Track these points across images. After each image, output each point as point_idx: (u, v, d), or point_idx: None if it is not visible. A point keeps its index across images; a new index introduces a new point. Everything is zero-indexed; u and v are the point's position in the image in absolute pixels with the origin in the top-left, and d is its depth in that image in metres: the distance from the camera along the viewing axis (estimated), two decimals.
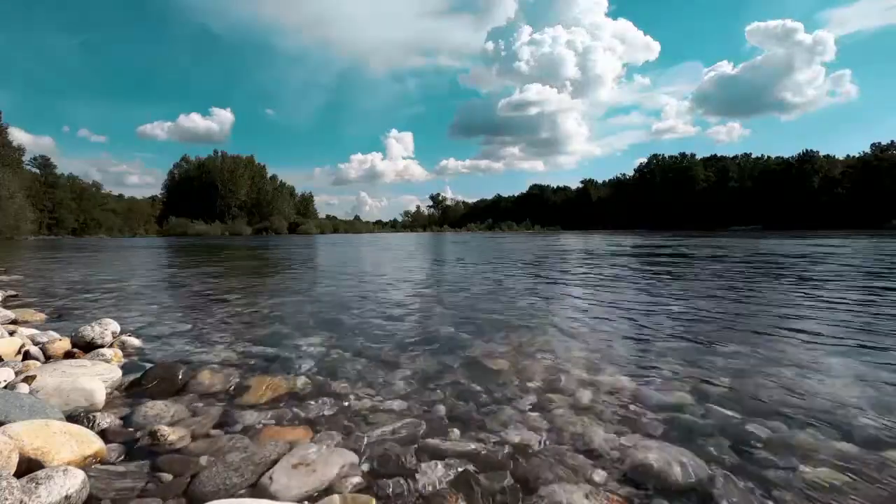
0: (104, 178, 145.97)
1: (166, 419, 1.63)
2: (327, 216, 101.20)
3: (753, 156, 78.13)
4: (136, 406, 1.73)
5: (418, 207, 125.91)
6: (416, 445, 1.47)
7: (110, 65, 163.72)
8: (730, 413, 1.69)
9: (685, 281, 5.87)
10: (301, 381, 2.05)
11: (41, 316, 3.53)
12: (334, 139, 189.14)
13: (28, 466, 1.19)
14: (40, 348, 2.37)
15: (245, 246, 22.16)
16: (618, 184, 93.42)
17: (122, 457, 1.39)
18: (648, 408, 1.75)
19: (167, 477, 1.28)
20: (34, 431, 1.29)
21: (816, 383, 2.00)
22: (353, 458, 1.37)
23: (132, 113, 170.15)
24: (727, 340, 2.74)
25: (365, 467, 1.34)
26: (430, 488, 1.24)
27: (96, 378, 1.84)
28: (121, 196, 77.16)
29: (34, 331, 2.76)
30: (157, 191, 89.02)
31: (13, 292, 4.82)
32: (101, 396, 1.75)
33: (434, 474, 1.29)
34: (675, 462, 1.33)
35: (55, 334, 2.65)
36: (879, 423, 1.59)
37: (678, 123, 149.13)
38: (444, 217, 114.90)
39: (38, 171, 59.04)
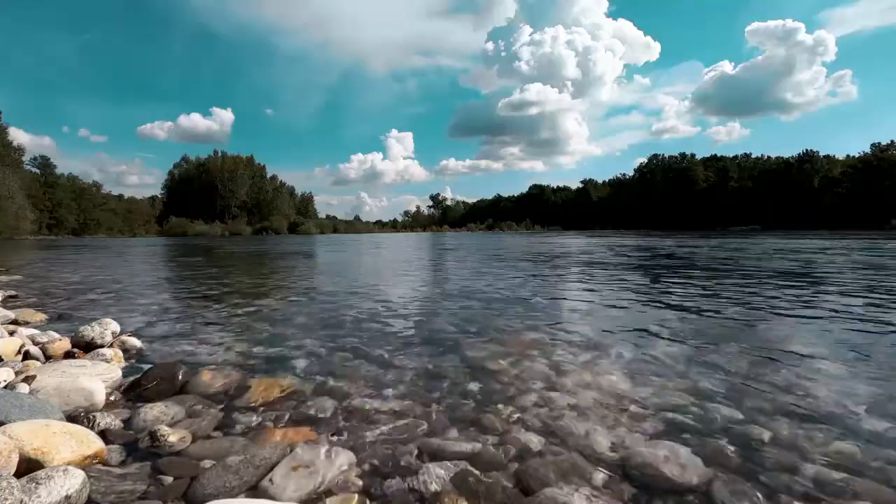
0: (104, 178, 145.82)
1: (166, 420, 1.63)
2: (327, 216, 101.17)
3: (753, 156, 78.23)
4: (136, 407, 1.73)
5: (418, 207, 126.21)
6: (415, 446, 1.46)
7: (110, 65, 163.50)
8: (730, 413, 1.69)
9: (684, 281, 5.87)
10: (301, 381, 2.05)
11: (41, 316, 3.53)
12: (334, 139, 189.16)
13: (28, 466, 1.19)
14: (40, 348, 2.36)
15: (245, 246, 22.15)
16: (618, 184, 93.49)
17: (123, 457, 1.39)
18: (649, 408, 1.75)
19: (167, 479, 1.27)
20: (34, 431, 1.29)
21: (817, 382, 2.00)
22: (353, 459, 1.37)
23: (132, 113, 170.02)
24: (727, 340, 2.74)
25: (365, 468, 1.34)
26: (430, 489, 1.23)
27: (96, 378, 1.84)
28: (121, 196, 77.13)
29: (34, 331, 2.76)
30: (156, 191, 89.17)
31: (13, 292, 4.82)
32: (101, 396, 1.75)
33: (434, 475, 1.29)
34: (675, 462, 1.33)
35: (55, 334, 2.65)
36: (880, 422, 1.59)
37: (678, 123, 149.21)
38: (444, 217, 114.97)
39: (38, 171, 59.02)
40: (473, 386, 2.01)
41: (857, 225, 49.70)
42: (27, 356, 2.26)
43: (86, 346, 2.47)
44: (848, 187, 60.77)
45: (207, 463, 1.35)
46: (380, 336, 2.95)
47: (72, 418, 1.58)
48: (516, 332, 3.06)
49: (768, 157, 75.57)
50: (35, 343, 2.43)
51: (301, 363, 2.35)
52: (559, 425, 1.61)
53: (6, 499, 1.00)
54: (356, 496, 1.20)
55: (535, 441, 1.50)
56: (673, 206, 76.67)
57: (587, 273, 7.00)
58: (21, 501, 1.02)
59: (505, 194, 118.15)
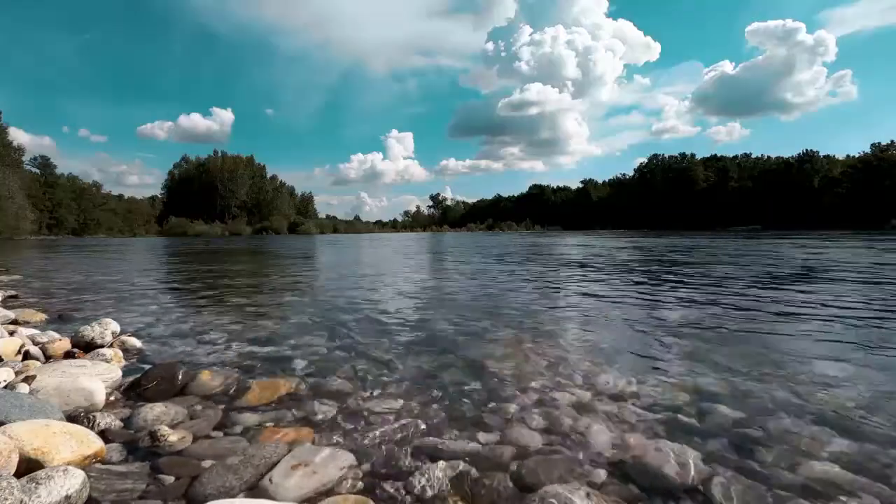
0: (104, 178, 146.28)
1: (166, 420, 1.63)
2: (327, 216, 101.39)
3: (753, 156, 78.30)
4: (136, 407, 1.73)
5: (418, 207, 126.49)
6: (415, 446, 1.47)
7: (110, 65, 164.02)
8: (730, 413, 1.69)
9: (684, 282, 5.87)
10: (300, 381, 2.05)
11: (41, 316, 3.53)
12: (334, 139, 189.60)
13: (28, 466, 1.19)
14: (40, 348, 2.36)
15: (245, 246, 22.15)
16: (618, 184, 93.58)
17: (123, 457, 1.39)
18: (649, 407, 1.75)
19: (167, 478, 1.28)
20: (34, 431, 1.29)
21: (817, 382, 2.00)
22: (353, 458, 1.37)
23: (132, 113, 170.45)
24: (727, 340, 2.74)
25: (364, 468, 1.34)
26: (430, 489, 1.24)
27: (96, 378, 1.84)
28: (121, 196, 77.27)
29: (34, 331, 2.76)
30: (156, 191, 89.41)
31: (13, 292, 4.82)
32: (101, 396, 1.75)
33: (433, 475, 1.29)
34: (675, 462, 1.33)
35: (55, 334, 2.65)
36: (880, 422, 1.59)
37: (678, 123, 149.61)
38: (444, 217, 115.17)
39: (38, 171, 59.14)
40: (473, 385, 2.01)
41: (857, 225, 49.67)
42: (27, 356, 2.26)
43: (86, 346, 2.47)
44: (848, 187, 60.79)
45: (207, 463, 1.35)
46: (380, 336, 2.95)
47: (72, 418, 1.58)
48: (516, 331, 3.06)
49: (768, 157, 75.66)
50: (35, 343, 2.43)
51: (301, 363, 2.35)
52: (559, 424, 1.61)
53: (6, 499, 1.00)
54: (356, 496, 1.20)
55: (534, 440, 1.50)
56: (673, 206, 76.72)
57: (588, 273, 7.00)
58: (21, 501, 1.02)
59: (505, 194, 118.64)
